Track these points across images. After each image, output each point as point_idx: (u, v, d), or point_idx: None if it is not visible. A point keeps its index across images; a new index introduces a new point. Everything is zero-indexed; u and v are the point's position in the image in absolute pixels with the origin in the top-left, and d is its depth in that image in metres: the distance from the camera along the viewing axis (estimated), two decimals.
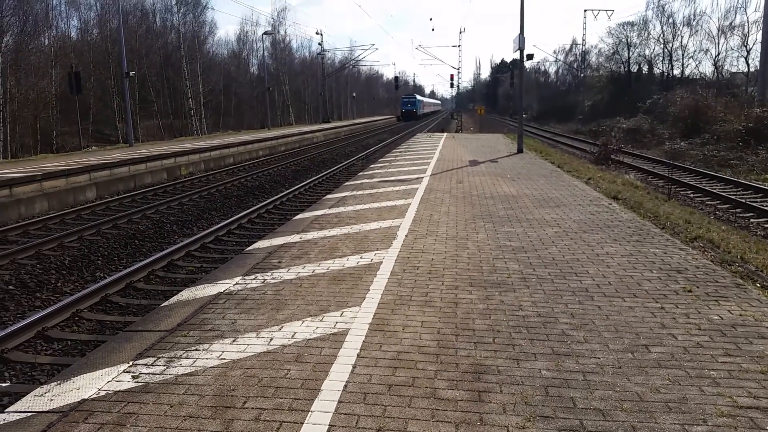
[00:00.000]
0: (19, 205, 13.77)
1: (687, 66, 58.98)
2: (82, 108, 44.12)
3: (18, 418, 3.54)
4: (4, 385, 5.46)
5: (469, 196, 11.68)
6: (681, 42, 58.74)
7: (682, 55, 58.83)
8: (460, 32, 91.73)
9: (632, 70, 63.60)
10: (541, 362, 4.16)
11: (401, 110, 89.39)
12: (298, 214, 11.07)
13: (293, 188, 16.97)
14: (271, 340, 4.61)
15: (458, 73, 79.90)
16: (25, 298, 7.88)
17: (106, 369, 4.14)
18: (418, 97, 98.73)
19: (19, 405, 3.71)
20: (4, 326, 6.86)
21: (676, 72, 59.35)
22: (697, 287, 5.81)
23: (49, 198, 14.76)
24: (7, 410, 3.67)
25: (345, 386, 3.82)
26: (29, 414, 3.57)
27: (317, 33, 69.11)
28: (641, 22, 62.51)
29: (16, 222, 12.93)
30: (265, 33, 60.03)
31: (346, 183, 14.81)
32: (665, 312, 5.15)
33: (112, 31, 47.73)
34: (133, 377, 4.00)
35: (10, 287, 8.20)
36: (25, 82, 40.26)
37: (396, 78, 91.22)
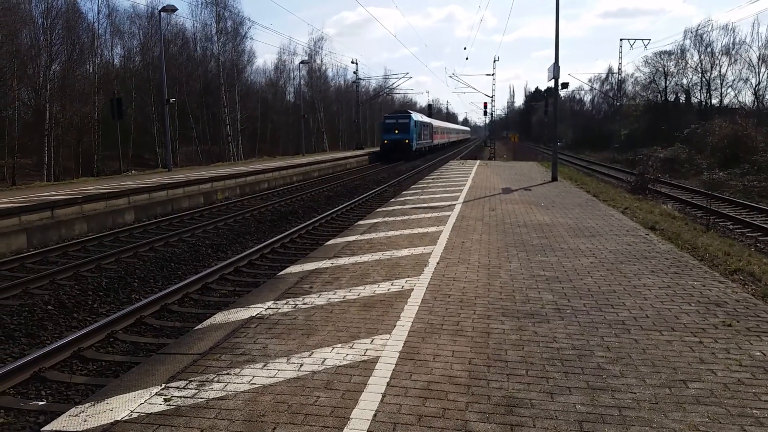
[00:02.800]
0: (60, 227, 14.14)
1: (726, 95, 58.21)
2: (123, 133, 45.29)
3: None
4: (40, 403, 5.55)
5: (502, 224, 11.60)
6: (720, 71, 58.05)
7: (721, 84, 58.11)
8: (495, 61, 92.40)
9: (669, 99, 62.89)
10: (575, 396, 4.06)
11: (382, 141, 50.47)
12: (330, 239, 11.12)
13: (326, 213, 17.09)
14: (302, 365, 4.61)
15: (492, 100, 72.10)
16: (63, 318, 8.04)
17: (139, 391, 4.19)
18: (417, 116, 54.04)
19: (54, 424, 3.76)
20: (41, 346, 7.00)
21: (715, 101, 58.61)
22: (738, 321, 5.64)
23: (88, 220, 15.14)
24: (42, 429, 3.73)
25: (374, 415, 3.79)
26: None
27: (353, 62, 69.53)
28: (678, 51, 62.01)
29: (57, 243, 13.26)
30: (302, 62, 61.04)
31: (378, 209, 14.85)
32: (704, 347, 5.00)
33: (153, 58, 49.18)
34: (165, 400, 4.04)
35: (49, 307, 8.38)
36: (70, 107, 41.66)
37: (429, 106, 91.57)
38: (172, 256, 11.90)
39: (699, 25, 71.39)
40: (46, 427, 3.75)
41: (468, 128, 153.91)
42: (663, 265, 7.96)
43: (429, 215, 12.90)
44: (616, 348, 4.96)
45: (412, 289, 6.77)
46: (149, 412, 3.87)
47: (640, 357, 4.76)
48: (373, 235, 10.46)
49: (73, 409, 3.98)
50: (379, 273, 7.61)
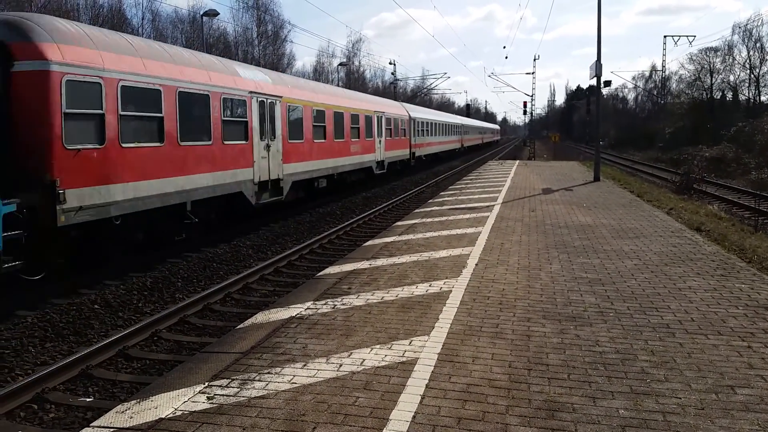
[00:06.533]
0: None
1: None
2: None
3: None
4: (88, 400, 5.72)
5: (542, 224, 11.45)
6: None
7: None
8: (535, 59, 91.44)
9: (715, 96, 61.17)
10: (618, 401, 3.99)
11: None
12: (368, 240, 11.15)
13: (363, 215, 17.14)
14: (341, 366, 4.63)
15: (532, 99, 71.24)
16: (109, 317, 8.25)
17: (183, 389, 4.27)
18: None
19: (102, 420, 3.87)
20: (89, 344, 7.20)
21: (764, 98, 56.72)
22: None
23: None
24: (91, 425, 3.84)
25: (413, 417, 3.79)
26: (110, 430, 3.72)
27: (390, 63, 69.72)
28: (725, 47, 60.24)
29: None
30: (341, 64, 61.65)
31: (416, 210, 14.83)
32: (753, 351, 4.85)
33: None
34: (208, 398, 4.11)
35: (96, 306, 8.61)
36: None
37: (467, 106, 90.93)
38: (214, 256, 12.09)
39: (748, 20, 69.28)
40: (94, 423, 3.86)
41: (497, 126, 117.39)
42: (709, 268, 7.75)
43: (467, 216, 12.83)
44: (660, 352, 4.85)
45: (451, 291, 6.75)
46: (192, 410, 3.95)
47: (685, 361, 4.65)
48: (411, 236, 10.46)
49: (120, 406, 4.08)
50: (417, 274, 7.60)
